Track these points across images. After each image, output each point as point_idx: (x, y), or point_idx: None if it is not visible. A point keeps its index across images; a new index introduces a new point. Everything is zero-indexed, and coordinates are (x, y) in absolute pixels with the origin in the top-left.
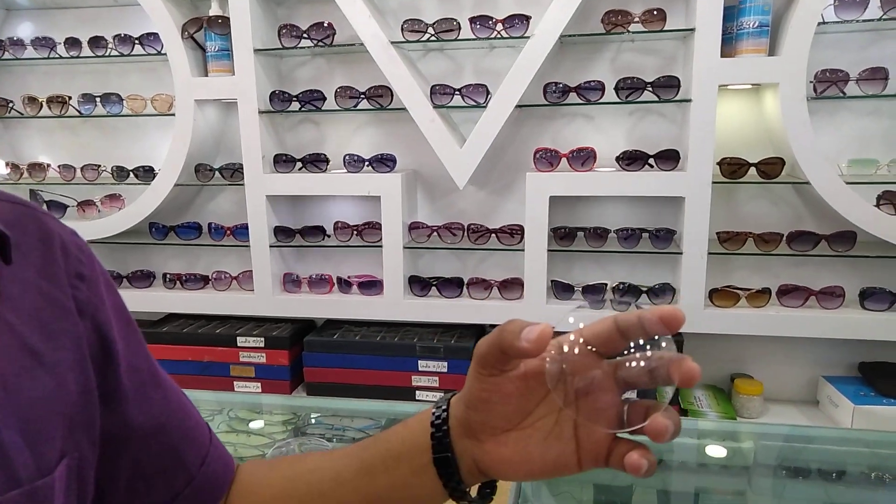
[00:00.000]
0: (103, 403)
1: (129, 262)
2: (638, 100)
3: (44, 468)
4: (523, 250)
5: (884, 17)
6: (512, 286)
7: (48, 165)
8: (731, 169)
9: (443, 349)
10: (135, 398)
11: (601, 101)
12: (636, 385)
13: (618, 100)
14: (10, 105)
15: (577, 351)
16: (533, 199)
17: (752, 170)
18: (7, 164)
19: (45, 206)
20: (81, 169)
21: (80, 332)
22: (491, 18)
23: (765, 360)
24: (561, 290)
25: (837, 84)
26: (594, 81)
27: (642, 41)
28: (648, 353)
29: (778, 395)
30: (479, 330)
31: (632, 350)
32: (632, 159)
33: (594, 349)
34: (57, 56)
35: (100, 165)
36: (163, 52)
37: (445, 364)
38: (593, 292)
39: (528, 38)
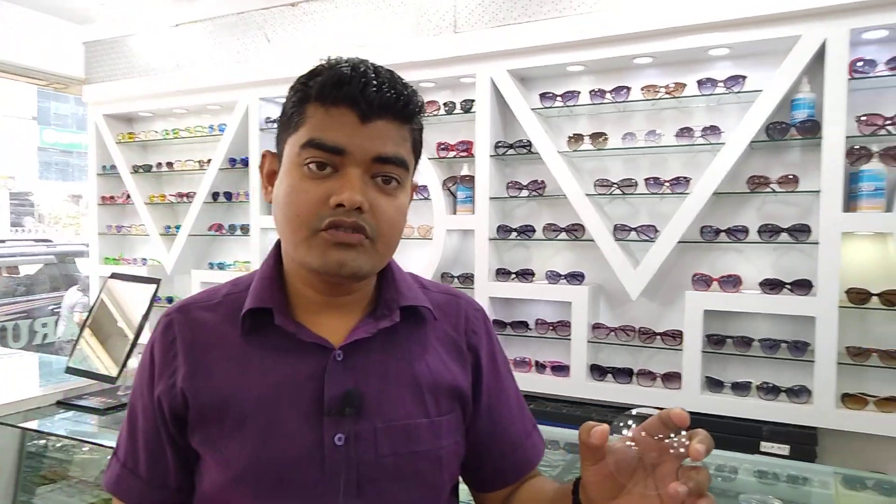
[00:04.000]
0: (473, 400)
1: None
2: (777, 241)
3: (439, 413)
4: (682, 350)
5: None
6: (672, 378)
7: None
8: (859, 297)
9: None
10: (483, 404)
11: (746, 240)
12: (677, 457)
13: (760, 240)
14: None
15: (641, 444)
16: (691, 311)
17: (876, 298)
18: None
19: None
20: None
21: (466, 359)
22: (660, 178)
23: None
24: (713, 384)
25: None
26: (741, 226)
27: (784, 195)
28: (675, 440)
29: None
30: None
31: (672, 438)
32: (772, 285)
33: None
34: None
35: None
36: (428, 197)
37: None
38: (740, 389)
39: (688, 194)
